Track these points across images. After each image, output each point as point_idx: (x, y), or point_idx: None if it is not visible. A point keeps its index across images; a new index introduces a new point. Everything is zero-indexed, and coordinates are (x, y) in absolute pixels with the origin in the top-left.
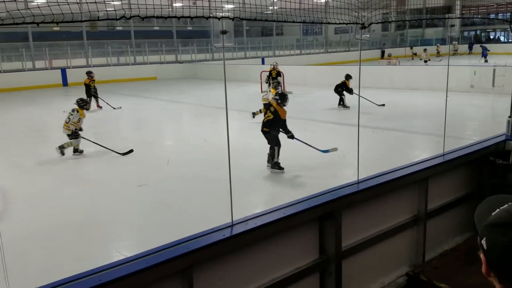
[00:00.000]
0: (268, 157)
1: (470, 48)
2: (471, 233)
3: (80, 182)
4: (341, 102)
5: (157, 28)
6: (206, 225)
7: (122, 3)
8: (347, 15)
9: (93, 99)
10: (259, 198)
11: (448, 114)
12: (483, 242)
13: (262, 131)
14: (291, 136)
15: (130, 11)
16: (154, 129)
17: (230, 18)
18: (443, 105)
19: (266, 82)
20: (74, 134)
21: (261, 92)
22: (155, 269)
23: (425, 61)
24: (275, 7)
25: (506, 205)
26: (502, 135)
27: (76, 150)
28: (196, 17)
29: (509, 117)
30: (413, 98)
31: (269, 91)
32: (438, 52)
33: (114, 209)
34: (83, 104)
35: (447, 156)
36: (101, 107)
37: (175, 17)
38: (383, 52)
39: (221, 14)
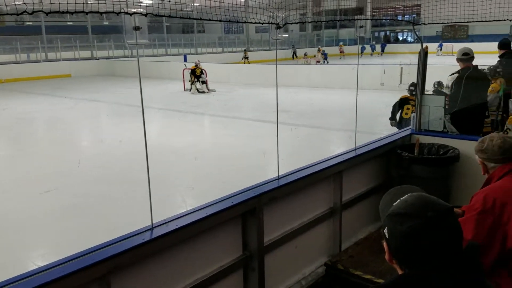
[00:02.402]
0: None
1: (382, 49)
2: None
3: None
4: None
5: (70, 23)
6: (125, 230)
7: None
8: (265, 15)
9: None
10: (182, 198)
11: (360, 111)
12: (385, 231)
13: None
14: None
15: (36, 5)
16: (66, 130)
17: (143, 14)
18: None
19: (190, 81)
20: None
21: (184, 90)
22: (70, 278)
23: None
24: (196, 4)
25: (406, 195)
26: (408, 129)
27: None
28: (106, 12)
29: (413, 112)
30: (328, 96)
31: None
32: (341, 52)
33: (23, 216)
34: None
35: (359, 150)
36: None
37: (82, 12)
38: (294, 53)
39: (133, 10)
